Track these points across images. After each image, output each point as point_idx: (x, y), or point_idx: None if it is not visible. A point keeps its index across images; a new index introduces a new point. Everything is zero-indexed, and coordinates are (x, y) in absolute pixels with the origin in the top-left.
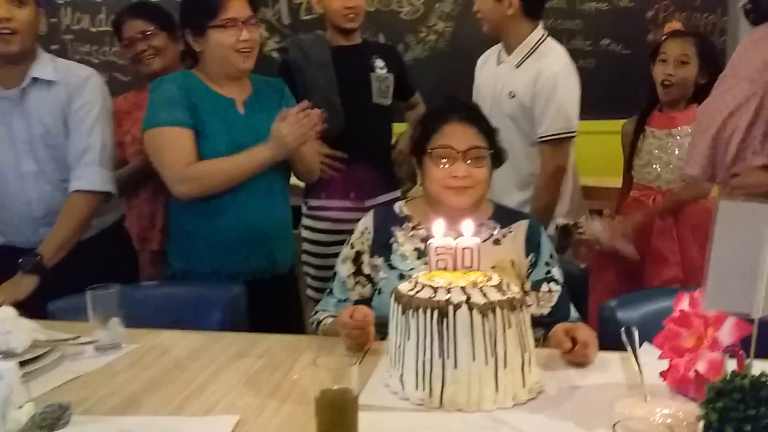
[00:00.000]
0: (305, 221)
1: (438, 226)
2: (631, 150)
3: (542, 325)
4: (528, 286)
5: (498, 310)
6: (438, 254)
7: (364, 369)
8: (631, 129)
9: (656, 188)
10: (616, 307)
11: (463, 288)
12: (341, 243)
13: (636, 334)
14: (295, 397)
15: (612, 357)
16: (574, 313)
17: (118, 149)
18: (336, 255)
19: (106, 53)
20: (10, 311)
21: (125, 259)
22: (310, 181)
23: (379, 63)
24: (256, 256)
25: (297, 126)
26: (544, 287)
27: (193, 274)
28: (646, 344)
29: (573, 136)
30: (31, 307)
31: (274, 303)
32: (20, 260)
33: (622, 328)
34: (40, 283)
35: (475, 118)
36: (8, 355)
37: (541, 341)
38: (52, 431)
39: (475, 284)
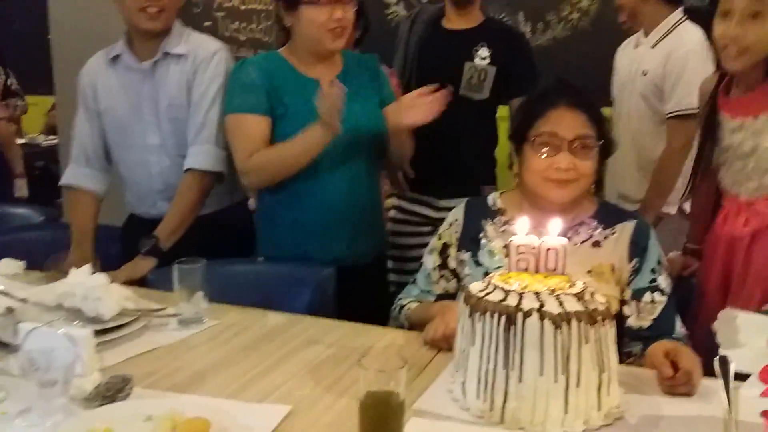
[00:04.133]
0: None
1: (522, 222)
2: (702, 137)
3: (641, 338)
4: (628, 294)
5: (574, 322)
6: (519, 253)
7: (432, 369)
8: (708, 93)
9: (734, 196)
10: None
11: (537, 294)
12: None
13: (732, 365)
14: (353, 392)
15: (715, 385)
16: (680, 328)
17: None
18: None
19: (253, 30)
20: (101, 278)
21: (244, 238)
22: (400, 167)
23: (482, 52)
24: (337, 243)
25: (329, 99)
26: (647, 297)
27: (275, 260)
28: (754, 377)
29: None
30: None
31: (359, 291)
32: (139, 242)
33: (716, 357)
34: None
35: (586, 103)
36: (96, 321)
37: (638, 357)
38: (113, 401)
39: (553, 290)
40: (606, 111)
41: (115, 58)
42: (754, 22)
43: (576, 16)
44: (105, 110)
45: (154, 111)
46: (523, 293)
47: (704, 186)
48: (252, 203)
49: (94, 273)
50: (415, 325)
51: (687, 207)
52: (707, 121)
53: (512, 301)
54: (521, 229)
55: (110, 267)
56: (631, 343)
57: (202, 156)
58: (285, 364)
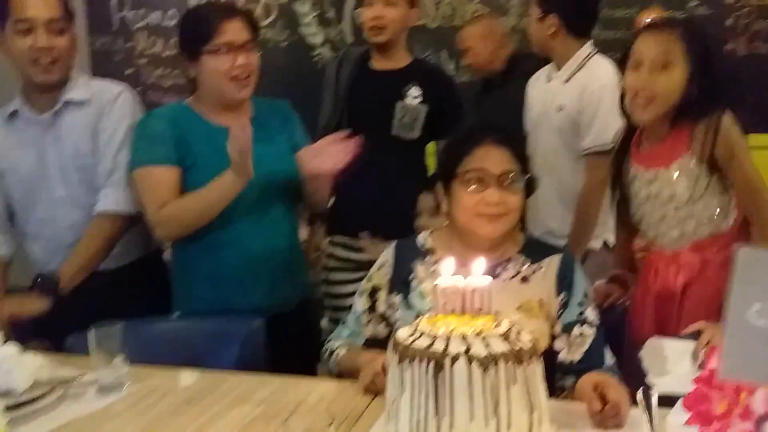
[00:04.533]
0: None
1: (447, 263)
2: (613, 190)
3: (573, 372)
4: (558, 328)
5: (501, 364)
6: (445, 295)
7: (366, 419)
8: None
9: (660, 249)
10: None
11: (464, 337)
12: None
13: (655, 395)
14: None
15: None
16: (609, 359)
17: None
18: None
19: (177, 76)
20: (12, 349)
21: (161, 289)
22: (319, 210)
23: (413, 91)
24: (257, 291)
25: (238, 142)
26: (576, 330)
27: (196, 315)
28: (679, 404)
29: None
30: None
31: (285, 339)
32: (36, 277)
33: (640, 388)
34: (75, 311)
35: (511, 140)
36: (8, 395)
37: (571, 391)
38: None
39: (479, 332)
40: None
41: (12, 115)
42: (662, 73)
43: None
44: (5, 170)
45: (58, 162)
46: (449, 337)
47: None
48: (167, 255)
49: (4, 342)
50: (344, 373)
51: (611, 239)
52: (617, 176)
53: (439, 346)
54: (447, 270)
55: (21, 330)
56: (564, 377)
57: (112, 198)
58: (213, 427)
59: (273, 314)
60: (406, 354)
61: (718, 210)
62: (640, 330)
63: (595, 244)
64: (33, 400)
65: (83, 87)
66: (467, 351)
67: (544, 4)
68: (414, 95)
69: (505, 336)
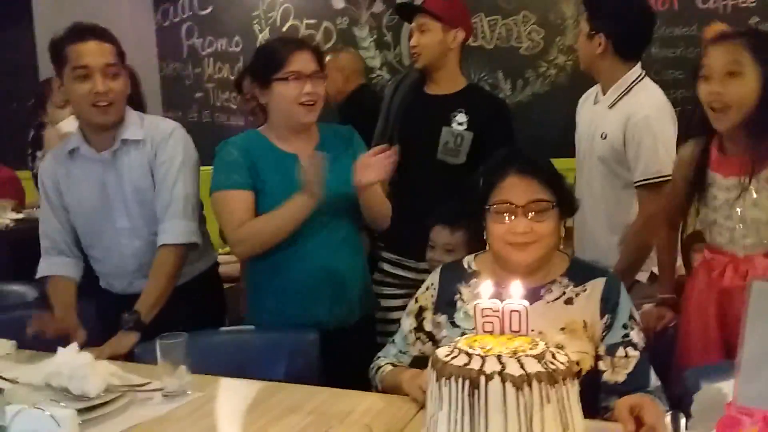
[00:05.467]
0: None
1: (486, 286)
2: (689, 197)
3: (617, 393)
4: (602, 350)
5: (535, 383)
6: (484, 316)
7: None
8: (690, 158)
9: (730, 253)
10: (701, 376)
11: (499, 357)
12: (400, 297)
13: (683, 421)
14: None
15: None
16: (654, 381)
17: None
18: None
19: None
20: (87, 356)
21: (217, 304)
22: (381, 229)
23: (459, 117)
24: (319, 307)
25: (311, 171)
26: (620, 352)
27: (262, 327)
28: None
29: (669, 180)
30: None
31: (343, 353)
32: (121, 318)
33: (670, 412)
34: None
35: (536, 169)
36: (82, 398)
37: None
38: None
39: (514, 353)
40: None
41: (73, 152)
42: (733, 81)
43: (553, 72)
44: (70, 204)
45: (120, 197)
46: (485, 356)
47: (672, 236)
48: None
49: (80, 351)
50: (387, 389)
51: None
52: (696, 182)
53: (475, 364)
54: (485, 292)
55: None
56: (608, 398)
57: (172, 231)
58: None
59: (335, 328)
60: (444, 372)
61: None
62: (696, 336)
63: (642, 276)
64: (104, 404)
65: (138, 126)
66: (502, 370)
67: (594, 22)
68: (460, 121)
69: (540, 357)
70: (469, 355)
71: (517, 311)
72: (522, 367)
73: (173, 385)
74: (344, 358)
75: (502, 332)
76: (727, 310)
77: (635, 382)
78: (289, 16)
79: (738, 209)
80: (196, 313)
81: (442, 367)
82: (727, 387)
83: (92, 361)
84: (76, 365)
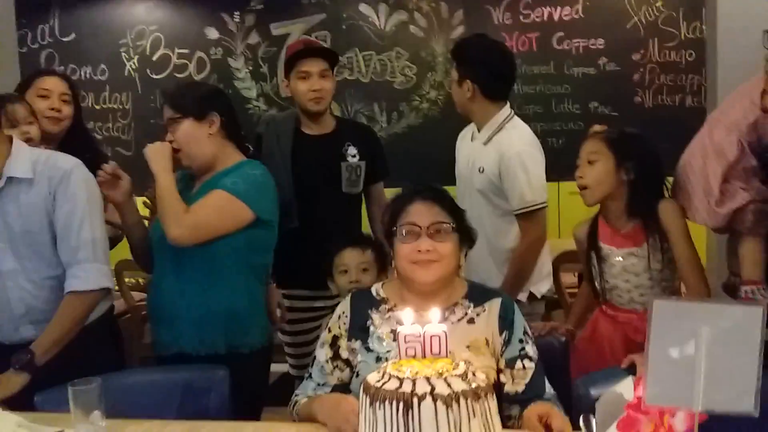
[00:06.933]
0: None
1: (407, 314)
2: (588, 268)
3: (517, 402)
4: (503, 363)
5: (462, 400)
6: (407, 342)
7: None
8: (583, 237)
9: (632, 311)
10: (589, 384)
11: (428, 378)
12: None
13: (593, 421)
14: None
15: None
16: (549, 389)
17: None
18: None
19: (109, 129)
20: None
21: (112, 350)
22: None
23: (351, 150)
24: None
25: None
26: (518, 364)
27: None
28: (613, 427)
29: (544, 207)
30: (18, 398)
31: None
32: (12, 357)
33: (581, 415)
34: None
35: (438, 196)
36: None
37: (517, 419)
38: None
39: (440, 374)
40: None
41: None
42: (590, 167)
43: (426, 106)
44: None
45: (6, 236)
46: (415, 379)
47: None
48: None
49: None
50: (303, 420)
51: (537, 292)
52: (591, 256)
53: (407, 387)
54: (407, 319)
55: None
56: (510, 407)
57: (83, 277)
58: None
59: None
60: (378, 396)
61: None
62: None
63: (522, 296)
64: None
65: (27, 164)
66: (432, 391)
67: (461, 69)
68: (352, 153)
69: (463, 376)
70: (400, 379)
71: (437, 335)
72: (449, 386)
73: (88, 431)
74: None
75: (424, 355)
76: (621, 346)
77: (533, 391)
78: (159, 45)
79: (634, 275)
80: (92, 359)
81: (375, 391)
82: (623, 390)
83: (0, 411)
84: None
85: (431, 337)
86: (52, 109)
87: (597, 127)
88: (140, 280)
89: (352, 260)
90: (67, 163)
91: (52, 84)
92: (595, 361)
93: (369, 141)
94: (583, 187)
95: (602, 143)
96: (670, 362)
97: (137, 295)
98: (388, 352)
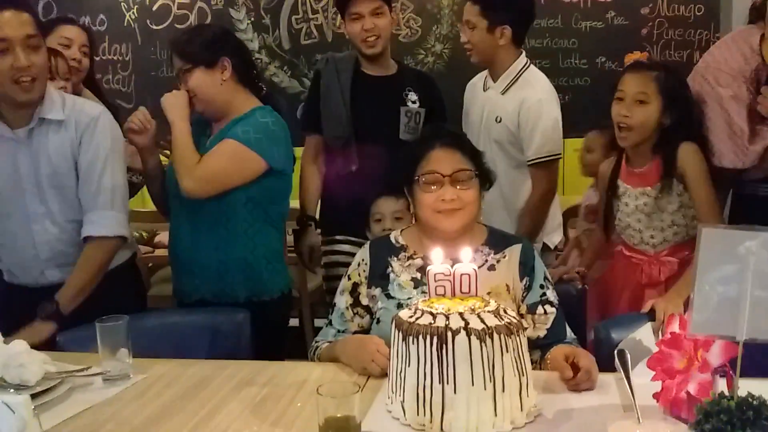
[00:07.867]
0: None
1: (436, 253)
2: (606, 205)
3: (539, 347)
4: (524, 309)
5: (495, 335)
6: (437, 281)
7: (366, 394)
8: (607, 173)
9: (643, 252)
10: (610, 327)
11: (461, 314)
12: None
13: (628, 356)
14: (300, 424)
15: (608, 379)
16: (570, 334)
17: None
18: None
19: (109, 81)
20: (22, 344)
21: (135, 296)
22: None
23: (412, 96)
24: (202, 284)
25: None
26: (540, 310)
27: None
28: (640, 365)
29: (559, 158)
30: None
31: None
32: (38, 306)
33: (615, 351)
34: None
35: (459, 142)
36: (21, 387)
37: (539, 363)
38: None
39: (473, 310)
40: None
41: None
42: (638, 107)
43: (431, 60)
44: None
45: (34, 179)
46: (448, 315)
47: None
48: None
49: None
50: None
51: (550, 242)
52: (611, 193)
53: (440, 322)
54: (436, 258)
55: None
56: (532, 352)
57: (101, 223)
58: (225, 407)
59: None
60: (411, 331)
61: (692, 219)
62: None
63: (536, 247)
64: (45, 391)
65: (59, 106)
66: (466, 325)
67: (493, 15)
68: (413, 99)
69: (496, 312)
70: (433, 314)
71: (467, 274)
72: (483, 321)
73: (115, 368)
74: (257, 336)
75: (454, 294)
76: (635, 292)
77: (554, 336)
78: None
79: (645, 215)
80: (115, 304)
81: (408, 326)
82: (641, 336)
83: (28, 349)
84: (11, 354)
85: (461, 275)
86: (73, 59)
87: (639, 56)
88: (144, 234)
89: (386, 208)
90: (95, 109)
91: (74, 34)
92: (608, 302)
93: (431, 89)
94: (627, 127)
95: (654, 84)
96: (716, 291)
97: (142, 248)
98: (409, 299)
